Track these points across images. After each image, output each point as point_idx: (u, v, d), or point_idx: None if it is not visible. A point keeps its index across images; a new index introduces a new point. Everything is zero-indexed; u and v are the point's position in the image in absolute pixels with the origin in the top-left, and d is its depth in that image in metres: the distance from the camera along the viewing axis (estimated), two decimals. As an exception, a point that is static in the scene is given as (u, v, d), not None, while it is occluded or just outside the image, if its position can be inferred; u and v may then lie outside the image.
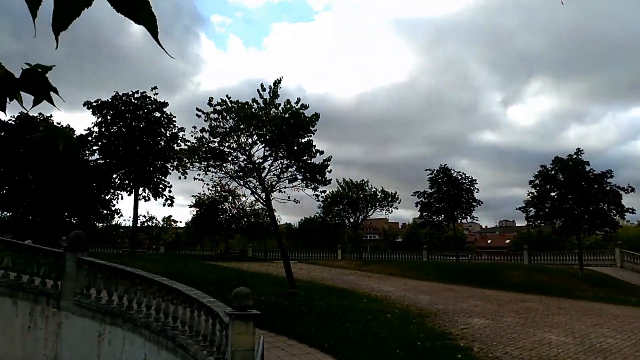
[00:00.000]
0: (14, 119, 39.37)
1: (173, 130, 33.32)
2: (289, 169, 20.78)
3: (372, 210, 49.48)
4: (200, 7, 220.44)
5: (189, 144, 21.41)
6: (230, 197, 50.52)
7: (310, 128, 20.22)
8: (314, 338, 13.77)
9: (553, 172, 33.10)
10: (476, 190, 41.85)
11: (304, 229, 76.38)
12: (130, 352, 12.80)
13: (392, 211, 49.83)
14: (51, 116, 41.38)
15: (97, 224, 64.92)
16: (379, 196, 48.07)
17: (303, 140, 20.51)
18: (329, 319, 15.99)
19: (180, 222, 79.20)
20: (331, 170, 20.71)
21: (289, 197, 21.02)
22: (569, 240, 63.41)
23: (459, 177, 42.01)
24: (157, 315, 12.62)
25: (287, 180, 20.92)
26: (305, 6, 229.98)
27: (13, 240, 15.17)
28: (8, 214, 60.75)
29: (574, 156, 32.44)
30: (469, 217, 43.25)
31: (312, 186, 20.39)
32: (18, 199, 41.60)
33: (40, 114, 40.63)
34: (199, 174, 20.67)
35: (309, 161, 20.29)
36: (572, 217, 32.28)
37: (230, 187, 46.55)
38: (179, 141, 27.27)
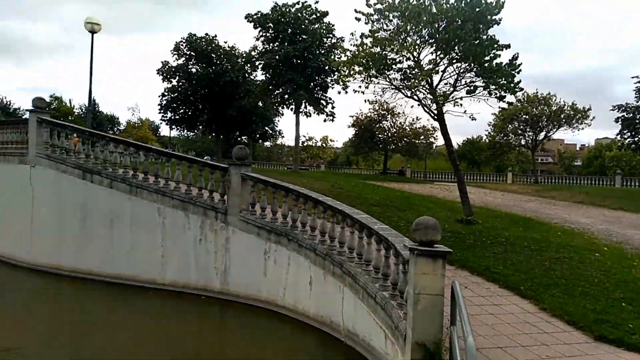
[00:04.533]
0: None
1: (333, 41, 31.50)
2: (467, 74, 17.34)
3: (555, 130, 42.30)
4: None
5: (348, 53, 19.09)
6: (389, 116, 48.10)
7: (495, 17, 16.21)
8: (505, 277, 11.24)
9: None
10: None
11: (466, 150, 71.27)
12: (295, 274, 11.94)
13: (583, 128, 41.72)
14: (216, 36, 42.78)
15: (264, 143, 69.05)
16: (567, 113, 40.43)
17: (483, 37, 16.62)
18: (520, 254, 13.20)
19: (337, 140, 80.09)
20: (521, 70, 16.62)
21: (465, 112, 17.76)
22: None
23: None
24: (322, 237, 11.36)
25: (463, 90, 17.58)
26: None
27: (183, 155, 15.16)
28: (191, 134, 67.65)
29: None
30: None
31: (498, 94, 16.73)
32: (198, 120, 44.94)
33: (206, 34, 42.28)
34: (359, 86, 18.48)
35: (493, 62, 16.50)
36: None
37: (389, 105, 44.11)
38: (337, 51, 25.21)
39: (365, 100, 46.86)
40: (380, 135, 49.82)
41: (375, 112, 47.69)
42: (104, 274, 14.14)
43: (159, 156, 14.45)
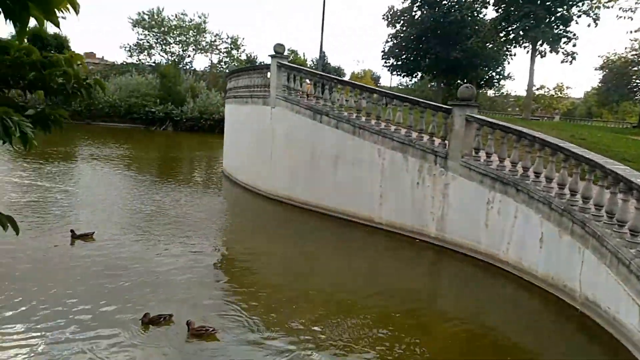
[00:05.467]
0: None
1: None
2: None
3: None
4: None
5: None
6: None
7: None
8: None
9: None
10: None
11: None
12: (522, 228, 10.71)
13: None
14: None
15: (487, 92, 64.42)
16: None
17: None
18: None
19: (570, 88, 69.09)
20: None
21: None
22: None
23: None
24: (561, 190, 9.79)
25: None
26: None
27: (405, 96, 14.83)
28: (410, 83, 67.36)
29: None
30: None
31: None
32: (419, 66, 44.17)
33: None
34: (629, 8, 14.95)
35: None
36: None
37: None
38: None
39: (630, 32, 38.34)
40: (638, 81, 40.97)
41: (635, 52, 39.13)
42: (328, 208, 15.19)
43: (382, 97, 14.43)
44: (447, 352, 7.45)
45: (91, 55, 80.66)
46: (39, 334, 6.66)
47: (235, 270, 10.39)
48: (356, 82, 14.85)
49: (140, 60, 62.83)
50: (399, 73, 45.88)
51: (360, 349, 7.04)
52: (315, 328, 7.53)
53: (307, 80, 17.16)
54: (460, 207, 12.32)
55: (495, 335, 8.17)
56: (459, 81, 46.83)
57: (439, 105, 13.48)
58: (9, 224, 3.37)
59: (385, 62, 44.49)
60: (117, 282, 8.77)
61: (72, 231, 11.11)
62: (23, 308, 7.41)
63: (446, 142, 12.85)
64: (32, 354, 6.15)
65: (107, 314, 7.45)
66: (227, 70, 59.42)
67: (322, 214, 15.23)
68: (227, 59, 64.25)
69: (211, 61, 65.71)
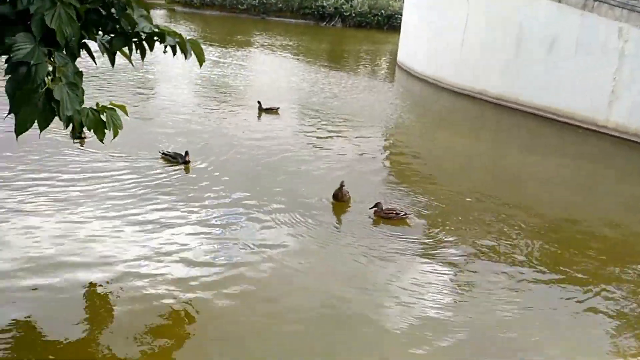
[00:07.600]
0: None
1: None
2: None
3: None
4: None
5: None
6: None
7: None
8: None
9: None
10: None
11: None
12: None
13: None
14: None
15: None
16: None
17: None
18: None
19: None
20: None
21: None
22: None
23: None
24: None
25: None
26: None
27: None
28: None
29: None
30: None
31: None
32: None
33: None
34: None
35: None
36: None
37: None
38: None
39: None
40: None
41: None
42: (532, 104, 12.56)
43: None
44: None
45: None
46: (214, 212, 6.29)
47: (418, 167, 9.02)
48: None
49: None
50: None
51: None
52: (510, 248, 6.02)
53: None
54: None
55: None
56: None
57: None
58: (192, 52, 3.51)
59: None
60: (294, 166, 8.19)
61: (259, 102, 10.96)
62: (206, 182, 7.18)
63: None
64: (208, 238, 5.62)
65: (287, 197, 6.86)
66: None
67: (523, 111, 12.70)
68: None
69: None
